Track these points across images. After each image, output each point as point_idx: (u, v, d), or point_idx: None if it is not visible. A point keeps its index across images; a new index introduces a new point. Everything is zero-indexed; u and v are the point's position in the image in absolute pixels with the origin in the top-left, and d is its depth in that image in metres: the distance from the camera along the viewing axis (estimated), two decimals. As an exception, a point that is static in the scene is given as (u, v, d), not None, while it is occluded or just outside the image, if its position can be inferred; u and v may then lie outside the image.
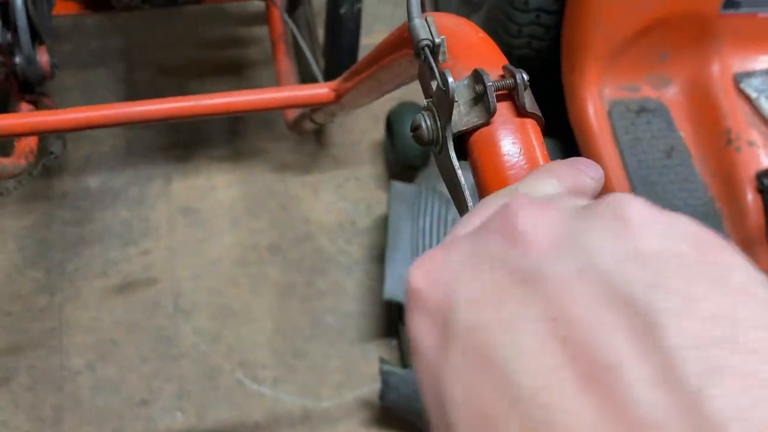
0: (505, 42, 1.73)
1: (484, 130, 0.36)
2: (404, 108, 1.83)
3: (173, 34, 2.05)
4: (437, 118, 0.38)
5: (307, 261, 1.79)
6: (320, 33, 1.74)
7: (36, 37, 1.29)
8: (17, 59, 1.27)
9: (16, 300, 1.64)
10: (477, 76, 0.37)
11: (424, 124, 0.39)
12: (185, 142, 1.92)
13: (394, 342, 1.67)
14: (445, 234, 1.66)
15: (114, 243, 1.75)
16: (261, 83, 2.01)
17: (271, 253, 1.79)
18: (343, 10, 1.40)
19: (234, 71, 2.03)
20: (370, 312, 1.72)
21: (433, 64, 0.38)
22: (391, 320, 1.67)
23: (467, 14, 2.01)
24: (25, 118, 1.20)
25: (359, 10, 1.42)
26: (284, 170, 1.92)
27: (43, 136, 1.38)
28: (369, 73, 0.73)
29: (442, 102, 0.37)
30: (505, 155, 0.35)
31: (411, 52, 0.45)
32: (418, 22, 0.41)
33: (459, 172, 0.37)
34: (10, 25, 1.25)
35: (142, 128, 1.92)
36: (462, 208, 0.38)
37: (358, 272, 1.78)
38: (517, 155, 0.35)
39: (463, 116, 0.37)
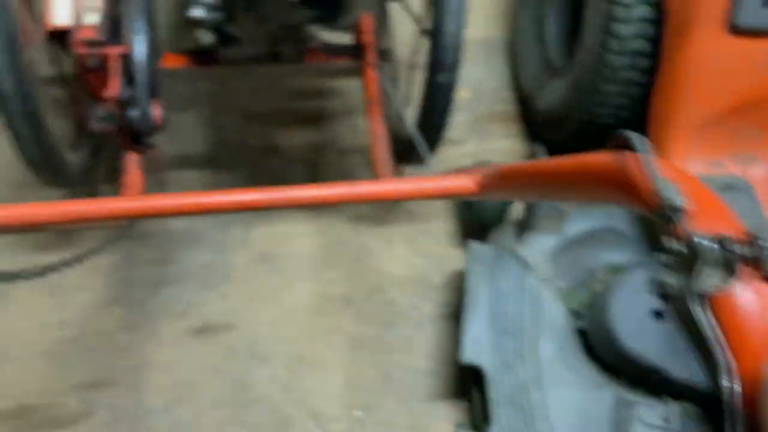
0: (590, 111, 1.74)
1: (728, 292, 0.37)
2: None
3: (258, 82, 2.10)
4: (677, 274, 0.38)
5: (379, 314, 1.79)
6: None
7: (151, 92, 1.33)
8: (132, 112, 1.31)
9: (101, 336, 1.67)
10: (723, 242, 0.37)
11: (668, 283, 0.39)
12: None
13: (466, 404, 1.65)
14: (523, 298, 1.66)
15: (194, 285, 1.78)
16: (341, 135, 2.05)
17: (345, 304, 1.80)
18: (441, 78, 1.42)
19: (316, 121, 2.06)
20: (440, 371, 1.71)
21: (678, 228, 0.39)
22: (464, 382, 1.66)
23: (547, 79, 2.03)
24: (111, 203, 1.20)
25: (456, 79, 1.44)
26: (359, 221, 1.94)
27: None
28: (536, 181, 0.73)
29: (685, 262, 0.38)
30: (749, 321, 0.36)
31: (611, 183, 0.46)
32: (662, 183, 0.41)
33: (715, 331, 0.37)
34: (130, 79, 1.30)
35: (227, 175, 1.96)
36: (711, 358, 0.38)
37: (429, 329, 1.77)
38: (761, 321, 0.36)
39: (705, 277, 0.38)
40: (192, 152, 1.98)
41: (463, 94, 2.13)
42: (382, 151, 1.55)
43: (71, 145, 1.58)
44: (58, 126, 1.90)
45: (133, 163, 1.39)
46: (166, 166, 1.56)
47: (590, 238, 1.75)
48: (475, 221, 1.83)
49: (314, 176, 1.99)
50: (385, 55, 1.75)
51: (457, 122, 2.03)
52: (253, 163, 1.99)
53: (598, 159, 0.59)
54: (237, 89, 2.08)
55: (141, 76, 1.28)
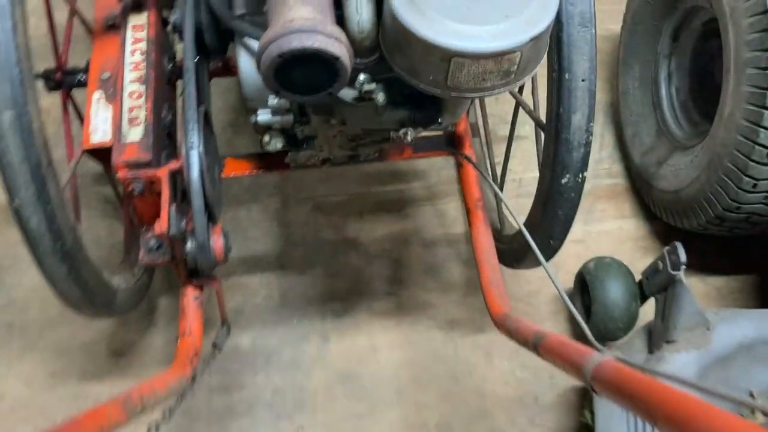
0: (736, 196, 1.40)
1: None
2: (607, 268, 1.51)
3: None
4: None
5: (483, 445, 1.48)
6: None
7: (210, 218, 1.08)
8: (189, 246, 1.05)
9: (159, 487, 1.41)
10: None
11: None
12: (343, 293, 1.67)
13: None
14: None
15: (265, 416, 1.50)
16: (426, 224, 1.76)
17: (442, 434, 1.49)
18: (565, 180, 1.12)
19: (396, 208, 1.78)
20: None
21: None
22: None
23: (667, 153, 1.70)
24: None
25: (584, 180, 1.13)
26: (453, 328, 1.64)
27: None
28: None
29: None
30: None
31: None
32: None
33: None
34: (184, 204, 1.04)
35: (299, 276, 1.69)
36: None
37: (545, 465, 1.45)
38: None
39: None
40: (258, 252, 1.72)
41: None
42: (493, 274, 1.25)
43: (120, 266, 1.33)
44: (108, 229, 1.69)
45: (191, 301, 1.13)
46: (227, 333, 1.30)
47: (742, 353, 1.41)
48: (600, 332, 1.50)
49: (398, 273, 1.70)
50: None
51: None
52: (327, 261, 1.71)
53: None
54: (306, 176, 1.83)
55: (198, 200, 1.03)
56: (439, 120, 1.04)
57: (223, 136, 1.84)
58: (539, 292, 1.70)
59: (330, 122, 1.10)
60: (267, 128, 1.17)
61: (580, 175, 1.12)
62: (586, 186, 1.88)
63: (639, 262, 1.73)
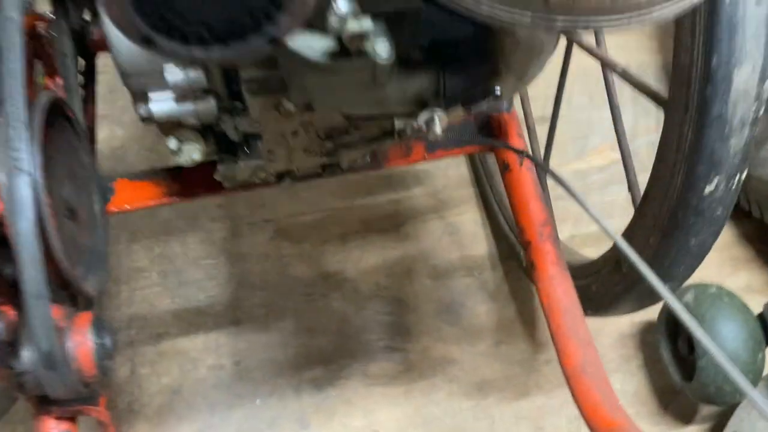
0: None
1: None
2: (716, 302, 1.01)
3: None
4: None
5: None
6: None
7: (70, 302, 0.56)
8: (25, 357, 0.54)
9: None
10: None
11: None
12: (325, 354, 1.16)
13: None
14: None
15: None
16: (434, 245, 1.26)
17: None
18: (711, 188, 0.62)
19: (392, 228, 1.27)
20: None
21: None
22: None
23: None
24: None
25: (739, 185, 0.64)
26: (484, 393, 1.14)
27: None
28: None
29: None
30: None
31: None
32: None
33: None
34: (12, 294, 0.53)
35: (256, 330, 1.18)
36: None
37: None
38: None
39: None
40: (200, 302, 1.20)
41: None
42: (576, 341, 0.72)
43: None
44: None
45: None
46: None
47: None
48: (704, 396, 1.02)
49: (401, 318, 1.20)
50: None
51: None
52: (300, 309, 1.20)
53: None
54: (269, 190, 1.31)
55: (33, 273, 0.51)
56: (496, 90, 0.54)
57: (142, 146, 1.30)
58: (601, 330, 1.21)
59: (283, 108, 0.59)
60: (174, 126, 0.66)
61: (735, 179, 0.63)
62: (640, 179, 1.41)
63: (730, 280, 1.25)
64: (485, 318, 1.21)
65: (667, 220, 0.67)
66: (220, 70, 0.60)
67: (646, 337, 1.22)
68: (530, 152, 0.80)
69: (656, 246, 0.69)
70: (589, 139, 1.40)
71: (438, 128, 0.54)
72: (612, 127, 1.45)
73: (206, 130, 0.69)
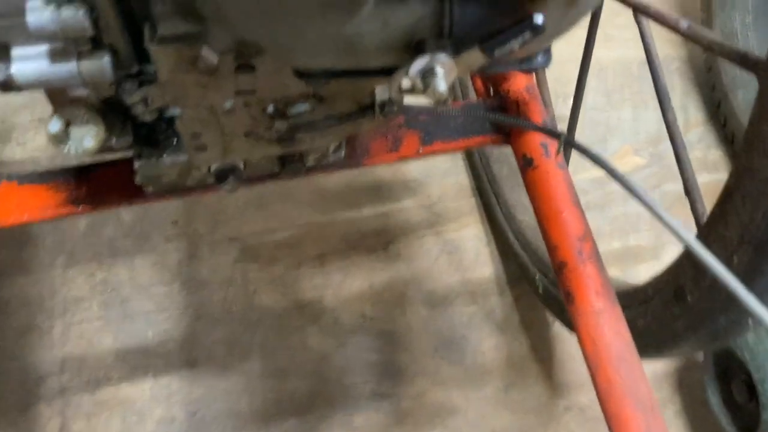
0: None
1: None
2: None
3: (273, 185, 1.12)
4: None
5: None
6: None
7: None
8: None
9: None
10: None
11: None
12: (300, 402, 0.95)
13: None
14: None
15: None
16: (429, 267, 1.05)
17: None
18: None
19: (380, 246, 1.06)
20: None
21: None
22: None
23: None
24: None
25: None
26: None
27: None
28: None
29: None
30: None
31: None
32: None
33: None
34: None
35: (216, 373, 0.97)
36: None
37: None
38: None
39: None
40: (149, 339, 0.99)
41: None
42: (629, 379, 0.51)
43: None
44: None
45: None
46: None
47: None
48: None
49: (391, 357, 0.99)
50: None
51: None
52: (270, 346, 0.99)
53: None
54: (225, 200, 1.10)
55: None
56: (537, 18, 0.33)
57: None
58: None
59: (203, 61, 0.38)
60: (63, 99, 0.46)
61: None
62: (668, 188, 1.21)
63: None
64: (492, 355, 1.00)
65: (765, 229, 0.47)
66: (113, 5, 0.39)
67: (685, 377, 1.01)
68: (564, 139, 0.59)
69: (747, 266, 0.49)
70: (608, 143, 1.20)
71: (442, 83, 0.34)
72: (634, 129, 1.25)
73: (111, 109, 0.49)
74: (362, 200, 1.09)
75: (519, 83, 0.62)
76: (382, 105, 0.44)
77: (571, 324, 0.85)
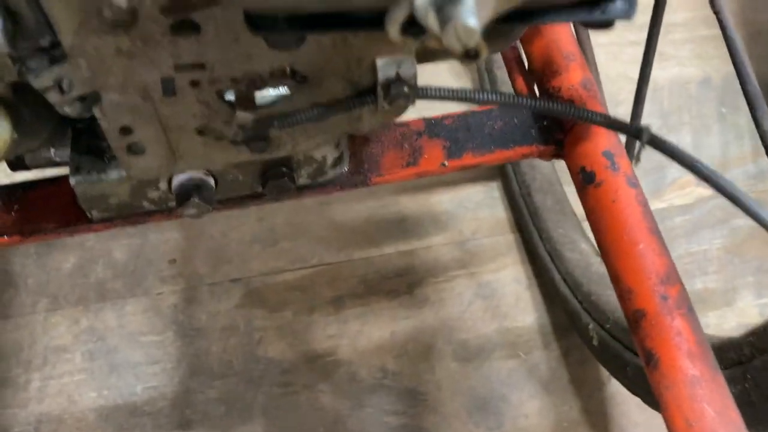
0: None
1: None
2: None
3: (285, 210, 0.98)
4: None
5: None
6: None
7: None
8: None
9: None
10: None
11: None
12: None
13: None
14: None
15: None
16: (462, 314, 0.89)
17: None
18: None
19: (404, 289, 0.91)
20: None
21: None
22: None
23: None
24: None
25: None
26: None
27: None
28: None
29: None
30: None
31: None
32: None
33: None
34: None
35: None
36: None
37: None
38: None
39: None
40: (137, 395, 0.85)
41: None
42: None
43: None
44: None
45: None
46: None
47: None
48: None
49: (417, 420, 0.83)
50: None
51: None
52: (277, 406, 0.84)
53: None
54: (231, 232, 0.97)
55: None
56: None
57: None
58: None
59: (110, 13, 0.25)
60: None
61: None
62: (738, 223, 1.05)
63: None
64: (536, 420, 0.83)
65: None
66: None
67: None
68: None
69: None
70: (666, 171, 1.04)
71: (470, 15, 0.20)
72: (695, 156, 1.09)
73: (29, 102, 0.36)
74: (383, 236, 0.94)
75: (573, 77, 0.47)
76: (387, 85, 0.31)
77: (637, 387, 0.69)
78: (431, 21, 0.21)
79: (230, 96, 0.32)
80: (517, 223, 0.95)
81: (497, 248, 0.95)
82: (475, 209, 0.97)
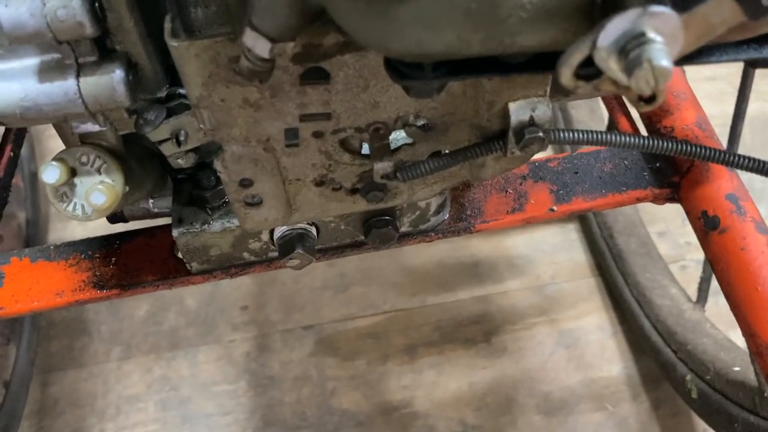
0: None
1: None
2: None
3: (352, 262, 0.97)
4: None
5: None
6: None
7: None
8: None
9: None
10: None
11: None
12: None
13: None
14: None
15: None
16: (543, 363, 0.86)
17: None
18: None
19: (481, 338, 0.88)
20: None
21: None
22: None
23: None
24: None
25: None
26: None
27: None
28: None
29: None
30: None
31: None
32: None
33: None
34: None
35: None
36: None
37: None
38: None
39: None
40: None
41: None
42: None
43: None
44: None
45: None
46: None
47: None
48: None
49: (497, 476, 0.79)
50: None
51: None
52: (349, 458, 0.81)
53: None
54: (302, 277, 0.96)
55: None
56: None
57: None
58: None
59: (247, 65, 0.24)
60: (68, 139, 0.33)
61: None
62: None
63: None
64: (631, 477, 0.79)
65: None
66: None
67: None
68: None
69: None
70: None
71: (662, 56, 0.18)
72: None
73: (137, 154, 0.35)
74: (457, 281, 0.92)
75: (687, 116, 0.45)
76: (520, 129, 0.29)
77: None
78: (613, 64, 0.19)
79: (353, 143, 0.31)
80: (598, 266, 0.91)
81: (578, 294, 0.91)
82: (552, 252, 0.94)
